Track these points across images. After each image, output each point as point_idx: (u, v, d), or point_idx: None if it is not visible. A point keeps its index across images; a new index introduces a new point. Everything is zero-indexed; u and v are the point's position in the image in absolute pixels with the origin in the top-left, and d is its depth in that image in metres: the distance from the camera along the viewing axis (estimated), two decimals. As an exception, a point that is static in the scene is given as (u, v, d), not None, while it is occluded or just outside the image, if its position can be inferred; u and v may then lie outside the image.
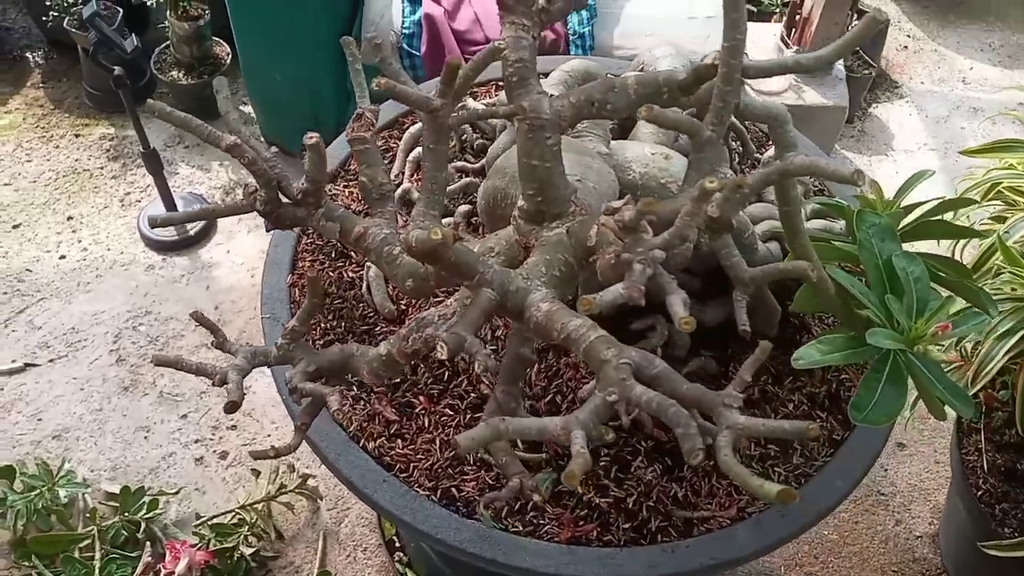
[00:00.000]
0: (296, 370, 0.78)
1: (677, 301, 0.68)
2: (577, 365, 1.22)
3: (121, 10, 2.56)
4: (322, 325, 1.29)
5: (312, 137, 0.78)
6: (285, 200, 0.86)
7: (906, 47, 3.29)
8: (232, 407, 0.72)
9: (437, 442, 1.18)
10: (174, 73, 2.70)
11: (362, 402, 1.23)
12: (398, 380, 1.23)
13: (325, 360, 0.79)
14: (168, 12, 2.61)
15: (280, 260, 1.37)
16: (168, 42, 2.74)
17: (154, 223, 0.81)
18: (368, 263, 1.31)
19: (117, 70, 2.14)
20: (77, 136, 2.76)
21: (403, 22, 2.35)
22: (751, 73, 0.74)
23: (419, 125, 1.47)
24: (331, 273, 1.36)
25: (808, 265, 0.69)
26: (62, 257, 2.47)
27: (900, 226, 1.02)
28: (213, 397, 2.21)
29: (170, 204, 2.46)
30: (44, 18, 2.61)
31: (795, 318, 1.30)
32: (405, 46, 2.36)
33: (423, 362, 1.24)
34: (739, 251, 1.13)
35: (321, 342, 1.28)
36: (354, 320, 1.30)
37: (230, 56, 2.76)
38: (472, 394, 1.21)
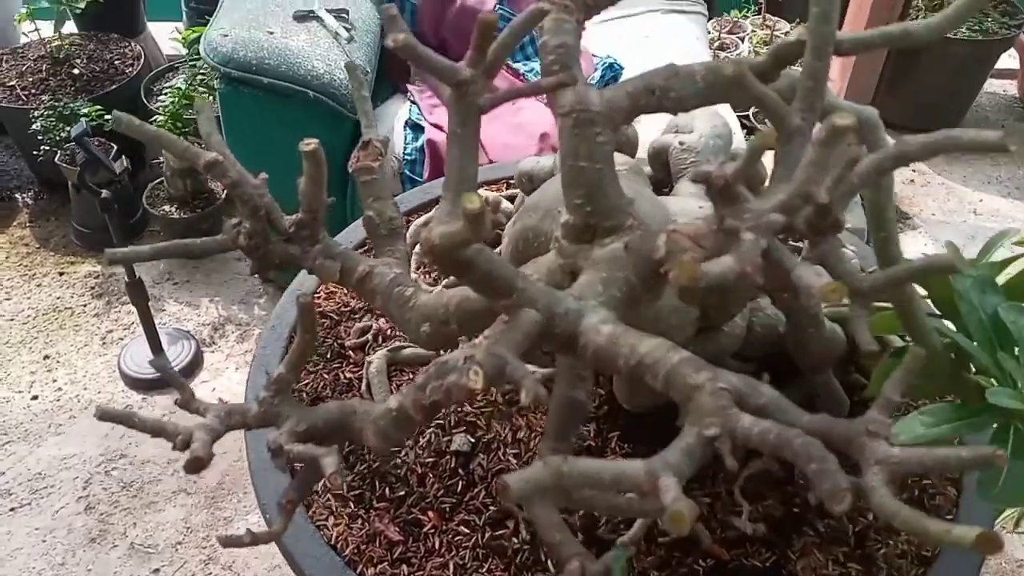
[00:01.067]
0: (282, 430, 0.60)
1: (807, 272, 0.52)
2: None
3: (115, 146, 2.49)
4: (314, 433, 1.11)
5: (310, 144, 0.63)
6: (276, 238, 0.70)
7: (913, 180, 3.25)
8: (196, 465, 0.54)
9: (451, 567, 0.98)
10: (166, 207, 2.61)
11: (360, 520, 1.03)
12: (402, 493, 1.04)
13: (319, 419, 0.62)
14: (163, 146, 2.54)
15: (268, 360, 1.20)
16: (161, 178, 2.66)
17: (113, 258, 0.66)
18: (368, 359, 1.15)
19: (104, 193, 2.03)
20: (61, 274, 2.63)
21: (405, 148, 2.28)
22: (845, 47, 0.61)
23: (428, 215, 1.34)
24: (325, 375, 1.18)
25: (956, 255, 0.53)
26: (34, 398, 2.29)
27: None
28: (190, 548, 1.98)
29: (154, 339, 2.30)
30: (35, 152, 2.54)
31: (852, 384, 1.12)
32: (407, 172, 2.27)
33: (433, 471, 1.05)
34: (804, 323, 0.98)
35: (313, 452, 1.10)
36: (352, 426, 1.12)
37: (225, 190, 2.68)
38: (491, 507, 1.02)
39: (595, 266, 0.60)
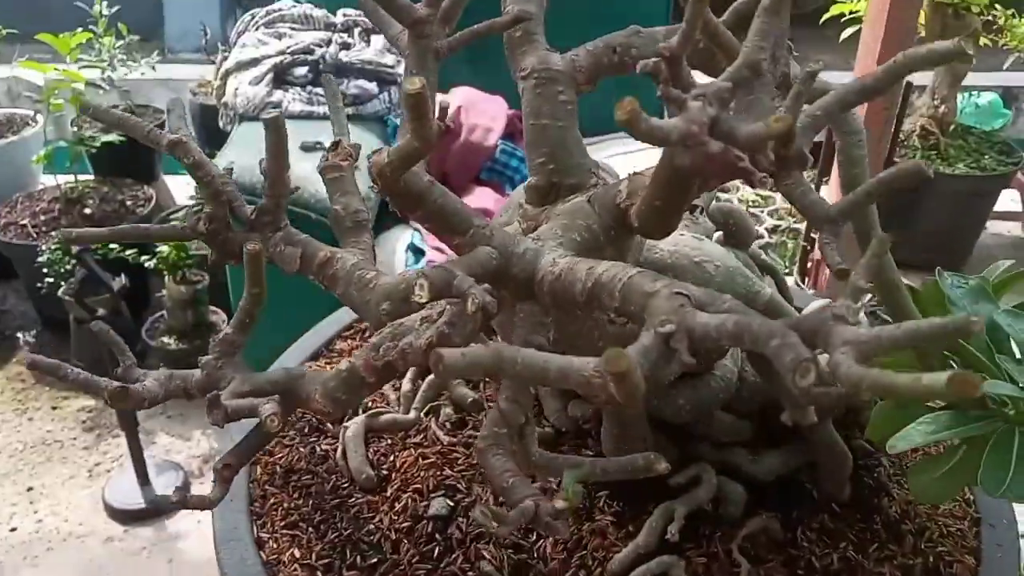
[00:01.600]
0: (226, 391, 0.55)
1: (749, 127, 0.47)
2: (605, 531, 0.95)
3: (123, 279, 2.50)
4: (284, 505, 1.04)
5: (271, 112, 0.62)
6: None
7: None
8: (120, 395, 0.49)
9: (422, 637, 0.89)
10: (164, 339, 2.60)
11: (327, 589, 0.95)
12: (375, 560, 0.96)
13: (264, 381, 0.57)
14: (166, 276, 2.56)
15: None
16: (162, 312, 2.66)
17: (68, 237, 0.63)
18: (345, 425, 1.09)
19: (100, 311, 2.03)
20: (54, 408, 2.59)
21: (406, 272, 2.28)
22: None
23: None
24: (301, 448, 1.12)
25: (924, 162, 0.50)
26: (12, 529, 2.19)
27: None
28: None
29: (142, 469, 2.23)
30: (38, 285, 2.56)
31: (870, 478, 1.05)
32: (405, 296, 2.27)
33: (408, 537, 0.97)
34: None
35: (282, 523, 1.03)
36: (323, 495, 1.04)
37: (225, 323, 2.67)
38: (470, 573, 0.93)
39: (556, 217, 0.57)
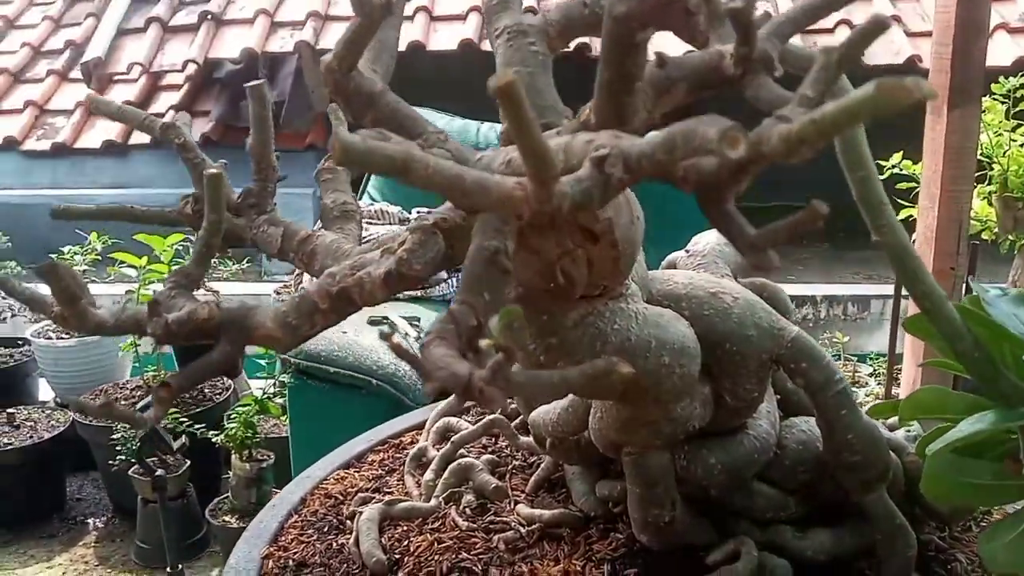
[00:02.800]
0: (176, 313, 0.53)
1: None
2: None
3: (183, 440, 2.51)
4: (291, 598, 0.97)
5: (255, 82, 0.64)
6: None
7: None
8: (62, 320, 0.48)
9: None
10: (227, 518, 2.56)
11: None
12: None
13: (219, 309, 0.54)
14: (233, 454, 2.56)
15: (261, 532, 1.09)
16: (226, 494, 2.64)
17: (58, 214, 0.65)
18: (359, 510, 1.03)
19: (159, 472, 2.03)
20: (111, 591, 2.53)
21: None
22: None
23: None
24: (318, 544, 1.06)
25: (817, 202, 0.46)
26: None
27: None
28: None
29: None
30: (110, 463, 2.59)
31: (942, 569, 0.91)
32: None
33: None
34: (830, 407, 0.85)
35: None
36: (334, 584, 0.97)
37: (287, 503, 2.62)
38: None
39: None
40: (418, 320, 2.48)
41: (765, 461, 0.88)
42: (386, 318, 2.45)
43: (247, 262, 3.64)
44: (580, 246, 0.64)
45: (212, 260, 0.60)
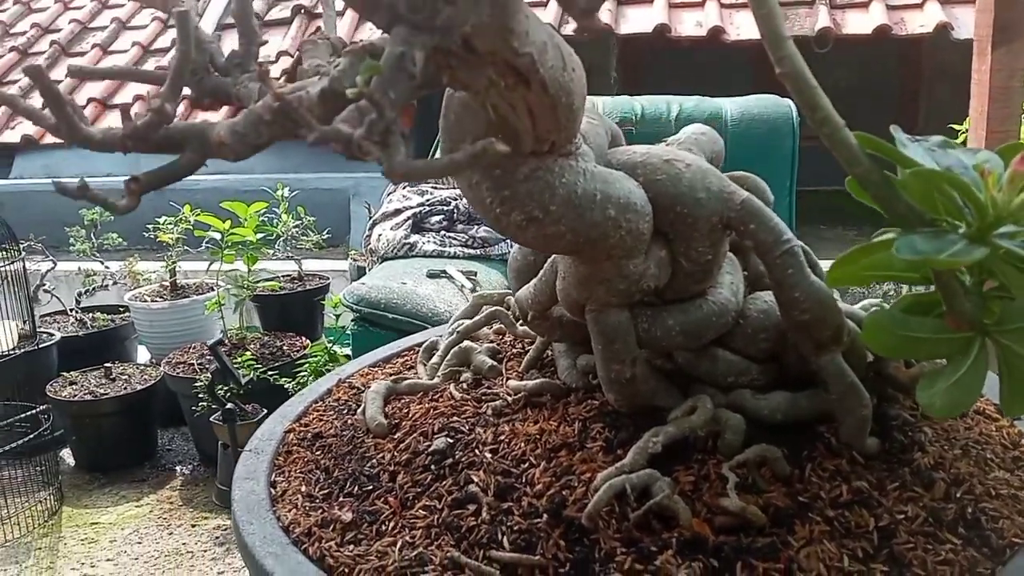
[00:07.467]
0: (144, 120, 0.64)
1: None
2: (594, 457, 0.92)
3: (252, 375, 2.67)
4: (304, 458, 1.08)
5: (236, -42, 0.75)
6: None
7: None
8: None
9: (398, 543, 0.88)
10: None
11: (320, 510, 0.96)
12: (369, 488, 0.97)
13: (182, 125, 0.65)
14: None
15: (287, 414, 1.20)
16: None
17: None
18: (367, 385, 1.13)
19: (229, 404, 2.18)
20: (194, 526, 2.72)
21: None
22: None
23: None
24: (335, 421, 1.16)
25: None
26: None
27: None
28: None
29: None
30: (193, 408, 2.78)
31: (903, 435, 0.95)
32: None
33: (405, 468, 0.98)
34: (781, 269, 0.90)
35: (297, 470, 1.06)
36: (340, 447, 1.07)
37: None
38: (456, 492, 0.92)
39: None
40: (475, 274, 2.58)
41: (724, 326, 0.94)
42: (444, 271, 2.57)
43: (327, 233, 3.82)
44: (511, 89, 0.72)
45: (182, 91, 0.70)
